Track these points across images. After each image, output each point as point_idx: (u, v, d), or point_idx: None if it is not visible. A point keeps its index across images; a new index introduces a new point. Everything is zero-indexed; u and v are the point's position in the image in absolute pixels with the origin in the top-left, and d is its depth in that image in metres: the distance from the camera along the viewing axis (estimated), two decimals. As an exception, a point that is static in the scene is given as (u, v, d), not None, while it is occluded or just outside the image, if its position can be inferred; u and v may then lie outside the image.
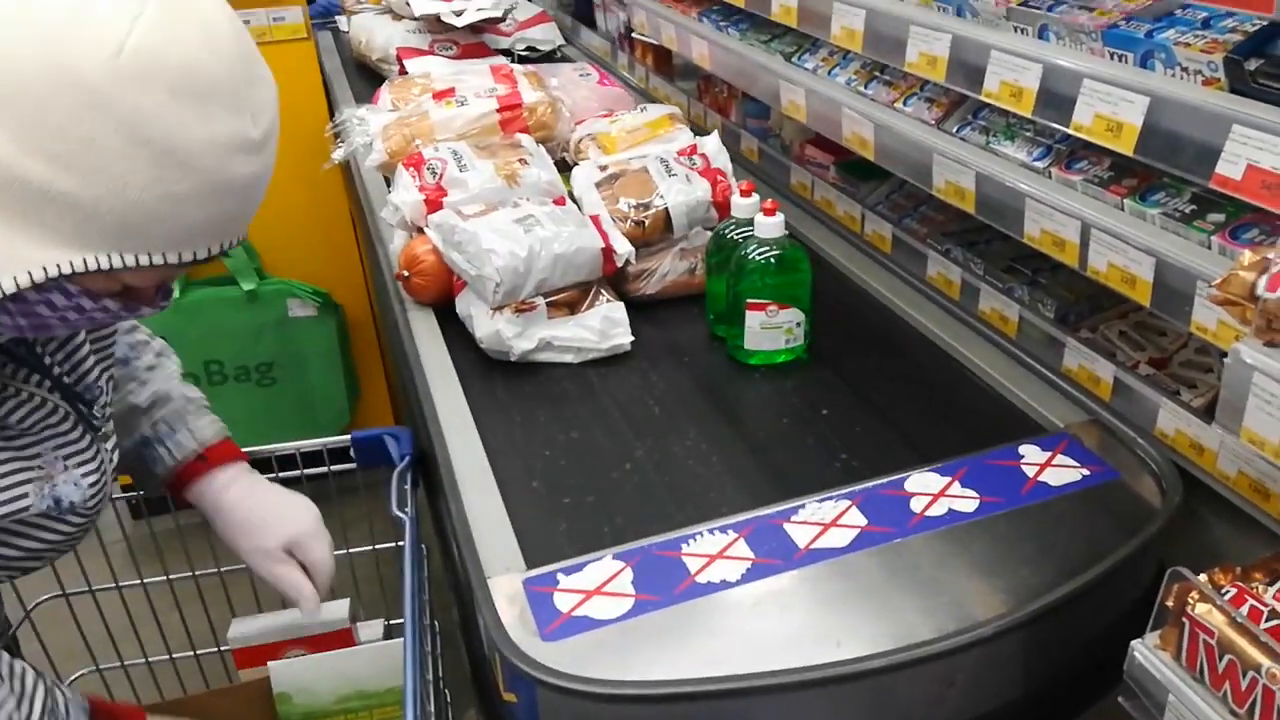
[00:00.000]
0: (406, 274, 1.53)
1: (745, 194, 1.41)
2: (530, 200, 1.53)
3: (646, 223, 1.53)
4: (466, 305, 1.46)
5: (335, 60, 2.75)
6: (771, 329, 1.36)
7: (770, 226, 1.33)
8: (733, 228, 1.43)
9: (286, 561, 1.18)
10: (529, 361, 1.41)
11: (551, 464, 1.22)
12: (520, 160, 1.61)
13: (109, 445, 1.05)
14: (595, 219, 1.52)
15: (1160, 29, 1.07)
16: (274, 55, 2.59)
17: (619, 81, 2.29)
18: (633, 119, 1.80)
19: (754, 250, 1.34)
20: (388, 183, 1.74)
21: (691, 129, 1.80)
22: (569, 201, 1.57)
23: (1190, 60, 1.01)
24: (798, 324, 1.37)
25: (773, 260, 1.33)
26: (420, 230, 1.55)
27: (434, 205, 1.53)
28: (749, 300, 1.34)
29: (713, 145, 1.64)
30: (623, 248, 1.48)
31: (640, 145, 1.73)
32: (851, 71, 1.62)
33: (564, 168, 1.73)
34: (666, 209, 1.53)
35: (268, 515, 1.19)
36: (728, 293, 1.37)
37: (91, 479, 1.00)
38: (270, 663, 1.30)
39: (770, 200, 1.34)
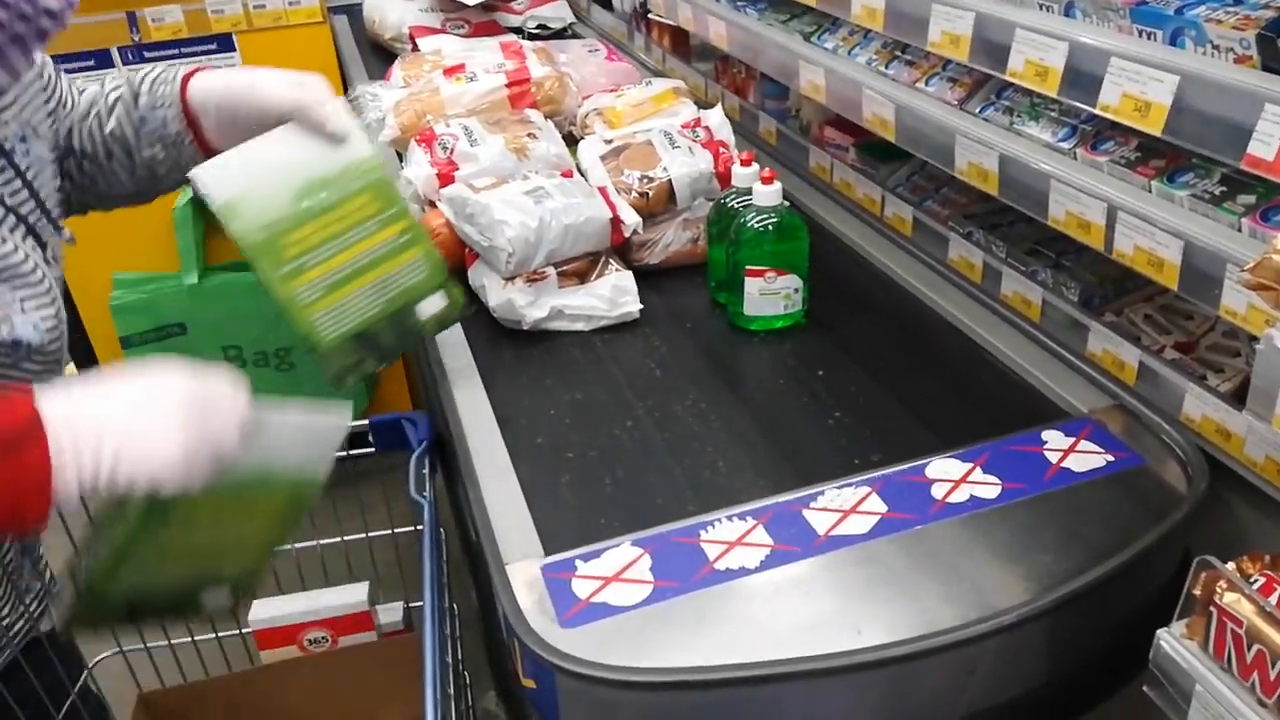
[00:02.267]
0: (420, 249, 1.53)
1: (745, 164, 1.42)
2: (539, 173, 1.53)
3: (650, 194, 1.54)
4: (479, 276, 1.47)
5: (352, 44, 2.74)
6: (770, 295, 1.38)
7: (768, 194, 1.34)
8: (733, 196, 1.44)
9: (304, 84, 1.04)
10: (540, 330, 1.42)
11: (575, 455, 1.21)
12: (529, 134, 1.63)
13: (57, 275, 1.01)
14: (602, 191, 1.52)
15: (1190, 5, 1.04)
16: (289, 39, 2.59)
17: (628, 58, 2.28)
18: (638, 93, 1.80)
19: (752, 218, 1.35)
20: (400, 158, 1.75)
21: (700, 106, 1.79)
22: (576, 174, 1.58)
23: (1221, 37, 0.99)
24: (795, 290, 1.38)
25: (770, 227, 1.35)
26: (433, 204, 1.56)
27: (446, 179, 1.55)
28: (748, 267, 1.36)
29: (716, 118, 1.65)
30: (631, 218, 1.49)
31: (645, 119, 1.73)
32: (872, 51, 1.60)
33: (571, 141, 1.74)
34: (670, 181, 1.54)
35: (271, 71, 1.07)
36: (728, 260, 1.39)
37: (50, 321, 0.98)
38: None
39: (768, 169, 1.35)
